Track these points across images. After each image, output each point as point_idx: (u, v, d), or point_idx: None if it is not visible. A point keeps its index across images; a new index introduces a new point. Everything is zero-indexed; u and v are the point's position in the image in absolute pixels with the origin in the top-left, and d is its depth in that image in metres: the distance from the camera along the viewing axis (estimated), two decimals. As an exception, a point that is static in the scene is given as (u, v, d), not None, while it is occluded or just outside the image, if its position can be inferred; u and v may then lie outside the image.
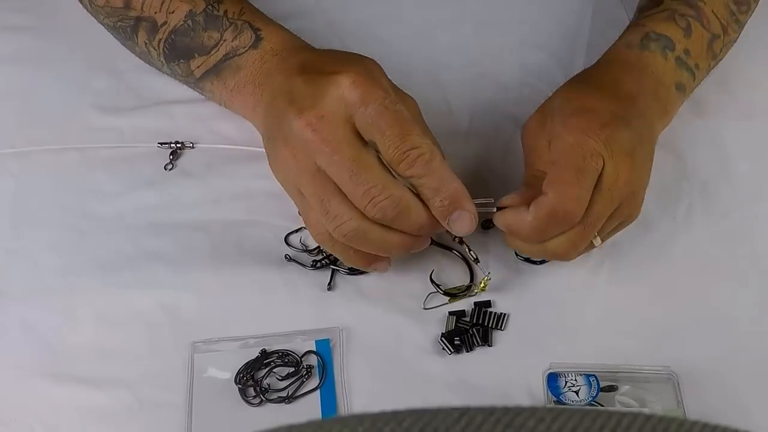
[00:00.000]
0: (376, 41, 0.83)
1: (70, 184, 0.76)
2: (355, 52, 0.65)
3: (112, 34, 0.77)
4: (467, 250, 0.68)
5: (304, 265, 0.70)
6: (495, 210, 0.64)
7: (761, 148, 0.77)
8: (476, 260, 0.68)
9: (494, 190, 0.74)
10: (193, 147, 0.78)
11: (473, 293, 0.68)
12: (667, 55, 0.71)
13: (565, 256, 0.65)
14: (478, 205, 0.62)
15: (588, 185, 0.61)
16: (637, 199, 0.66)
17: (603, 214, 0.63)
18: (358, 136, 0.60)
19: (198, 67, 0.71)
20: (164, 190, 0.75)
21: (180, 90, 0.80)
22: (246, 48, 0.70)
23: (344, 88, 0.59)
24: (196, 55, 0.71)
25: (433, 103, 0.79)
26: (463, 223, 0.61)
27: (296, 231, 0.72)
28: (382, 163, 0.60)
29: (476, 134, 0.78)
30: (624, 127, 0.63)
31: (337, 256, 0.67)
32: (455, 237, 0.68)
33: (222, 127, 0.79)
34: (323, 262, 0.70)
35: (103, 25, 0.77)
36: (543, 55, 0.84)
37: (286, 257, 0.70)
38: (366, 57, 0.64)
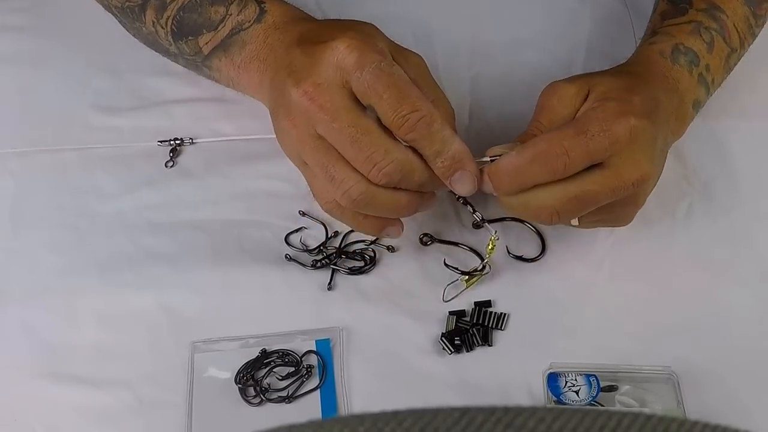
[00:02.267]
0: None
1: (70, 184, 0.76)
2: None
3: (119, 18, 0.76)
4: (471, 210, 0.68)
5: (304, 265, 0.70)
6: (489, 161, 0.63)
7: (761, 148, 0.77)
8: (482, 220, 0.68)
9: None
10: (192, 143, 0.78)
11: (486, 263, 0.68)
12: (692, 71, 0.70)
13: (548, 219, 0.63)
14: (478, 164, 0.62)
15: (586, 149, 0.59)
16: (638, 204, 0.65)
17: (597, 198, 0.61)
18: (357, 101, 0.60)
19: (206, 43, 0.71)
20: (164, 189, 0.75)
21: (180, 90, 0.80)
22: (251, 22, 0.69)
23: (339, 54, 0.59)
24: (204, 31, 0.70)
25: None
26: (464, 183, 0.61)
27: (296, 231, 0.72)
28: (383, 127, 0.60)
29: (476, 134, 0.78)
30: (653, 129, 0.62)
31: (347, 225, 0.67)
32: (459, 197, 0.67)
33: (222, 127, 0.79)
34: (323, 262, 0.70)
35: (110, 9, 0.76)
36: (542, 55, 0.84)
37: (286, 257, 0.70)
38: (364, 22, 0.64)
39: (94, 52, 0.84)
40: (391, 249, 0.71)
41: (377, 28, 0.64)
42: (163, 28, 0.72)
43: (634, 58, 0.72)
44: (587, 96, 0.64)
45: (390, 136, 0.60)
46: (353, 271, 0.70)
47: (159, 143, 0.78)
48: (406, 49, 0.64)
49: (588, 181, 0.60)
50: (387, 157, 0.59)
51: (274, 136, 0.66)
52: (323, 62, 0.59)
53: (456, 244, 0.71)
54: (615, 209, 0.64)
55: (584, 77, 0.67)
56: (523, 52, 0.84)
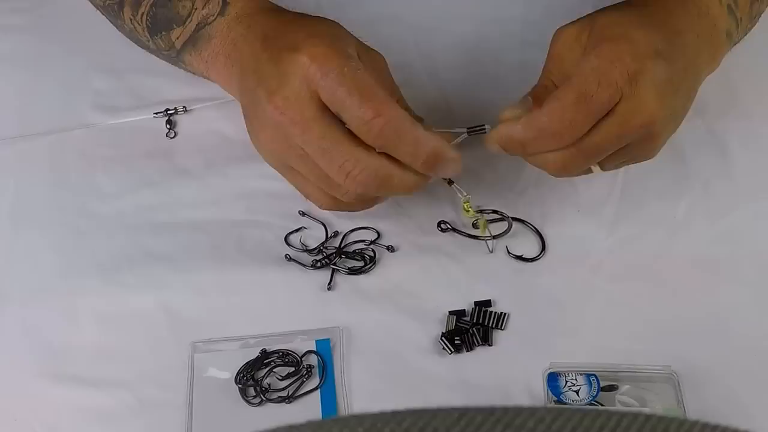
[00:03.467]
0: (376, 41, 0.82)
1: (70, 183, 0.76)
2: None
3: (104, 15, 0.77)
4: (456, 188, 0.67)
5: (304, 265, 0.70)
6: (486, 131, 0.64)
7: (761, 148, 0.77)
8: (450, 183, 0.67)
9: (494, 189, 0.74)
10: (186, 111, 0.79)
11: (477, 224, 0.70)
12: (721, 0, 0.68)
13: (556, 173, 0.63)
14: (471, 131, 0.63)
15: (589, 113, 0.59)
16: (655, 142, 0.63)
17: (604, 147, 0.61)
18: (328, 111, 0.59)
19: (177, 38, 0.71)
20: (164, 189, 0.75)
21: (179, 90, 0.80)
22: (215, 16, 0.69)
23: (303, 66, 0.58)
24: (174, 25, 0.71)
25: (433, 102, 0.79)
26: (447, 170, 0.61)
27: (296, 231, 0.72)
28: (355, 135, 0.59)
29: (476, 134, 0.78)
30: (663, 67, 0.60)
31: (346, 210, 0.67)
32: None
33: (221, 127, 0.79)
34: (323, 262, 0.70)
35: (96, 8, 0.77)
36: (544, 54, 0.83)
37: (286, 257, 0.70)
38: (329, 20, 0.64)
39: (94, 52, 0.84)
40: (390, 249, 0.71)
41: (342, 27, 0.63)
42: (139, 24, 0.73)
43: None
44: (589, 36, 0.63)
45: (363, 144, 0.59)
46: (353, 271, 0.70)
47: (154, 115, 0.78)
48: (369, 47, 0.64)
49: (592, 133, 0.60)
50: (358, 165, 0.58)
51: None
52: (289, 74, 0.59)
53: (470, 235, 0.71)
54: (632, 151, 0.63)
55: (588, 16, 0.65)
56: (525, 52, 0.84)
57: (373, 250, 0.71)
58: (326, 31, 0.61)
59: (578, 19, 0.65)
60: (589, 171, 0.64)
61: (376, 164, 0.59)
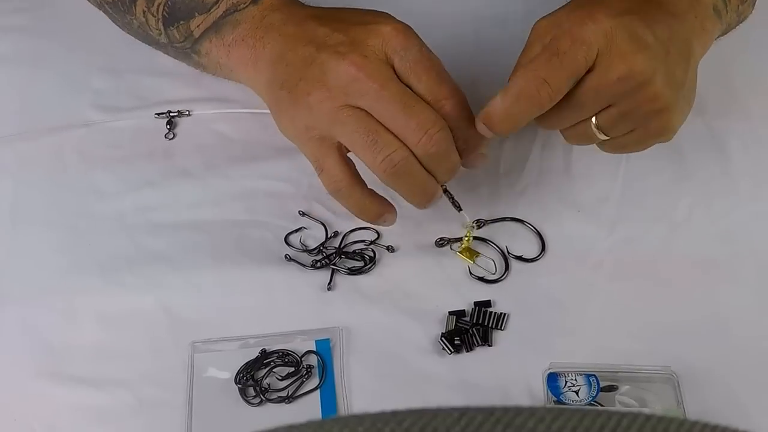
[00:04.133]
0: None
1: (70, 183, 0.76)
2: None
3: (110, 13, 0.76)
4: (450, 197, 0.68)
5: (304, 265, 0.70)
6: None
7: (761, 148, 0.77)
8: (459, 209, 0.69)
9: (495, 188, 0.74)
10: (189, 114, 0.79)
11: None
12: None
13: (564, 136, 0.66)
14: None
15: (563, 68, 0.59)
16: (667, 115, 0.62)
17: (587, 101, 0.61)
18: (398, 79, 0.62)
19: (198, 26, 0.71)
20: (164, 189, 0.75)
21: (180, 90, 0.80)
22: (246, 4, 0.69)
23: (387, 35, 0.62)
24: (197, 14, 0.71)
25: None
26: (478, 162, 0.66)
27: (296, 231, 0.72)
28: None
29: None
30: (639, 21, 0.60)
31: (350, 208, 0.66)
32: (443, 185, 0.67)
33: (221, 127, 0.79)
34: (323, 262, 0.70)
35: (101, 6, 0.76)
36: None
37: (286, 257, 0.70)
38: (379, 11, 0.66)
39: (94, 52, 0.84)
40: (390, 249, 0.71)
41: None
42: (154, 16, 0.72)
43: None
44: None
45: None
46: (353, 271, 0.70)
47: (156, 116, 0.78)
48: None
49: (574, 89, 0.60)
50: (437, 124, 0.61)
51: (275, 135, 0.66)
52: (368, 39, 0.62)
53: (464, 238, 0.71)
54: (639, 120, 0.62)
55: (563, 6, 0.65)
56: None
57: (373, 251, 0.71)
58: (392, 17, 0.65)
59: (555, 11, 0.65)
60: (597, 138, 0.64)
61: (447, 129, 0.61)
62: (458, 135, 0.62)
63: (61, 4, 0.86)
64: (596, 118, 0.63)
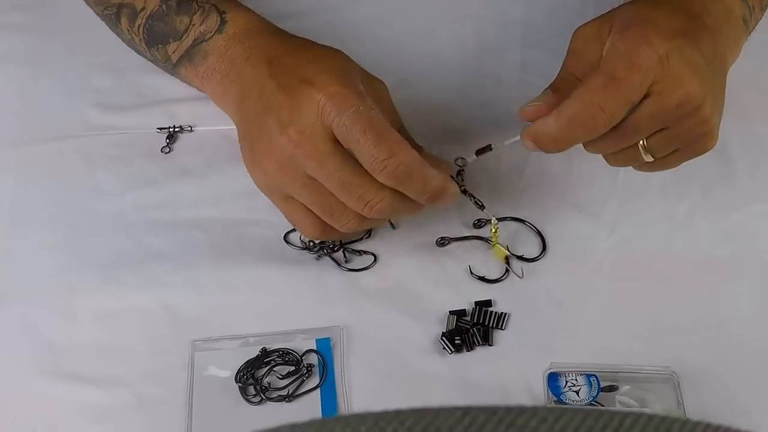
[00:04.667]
0: (376, 41, 0.83)
1: (70, 182, 0.76)
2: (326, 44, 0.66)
3: (104, 23, 0.77)
4: (471, 196, 0.70)
5: (309, 250, 0.71)
6: (493, 149, 0.67)
7: (761, 148, 0.77)
8: (482, 206, 0.70)
9: (495, 188, 0.75)
10: (192, 130, 0.79)
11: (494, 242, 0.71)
12: None
13: (608, 159, 0.66)
14: (479, 152, 0.68)
15: (619, 96, 0.58)
16: (706, 127, 0.61)
17: (641, 126, 0.60)
18: (340, 145, 0.60)
19: (174, 52, 0.72)
20: (165, 188, 0.75)
21: (180, 89, 0.80)
22: (212, 33, 0.70)
23: (319, 102, 0.59)
24: (171, 40, 0.71)
25: (433, 102, 0.79)
26: (447, 202, 0.63)
27: (296, 230, 0.72)
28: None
29: (476, 134, 0.78)
30: (690, 45, 0.59)
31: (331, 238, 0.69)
32: (461, 186, 0.69)
33: (221, 126, 0.79)
34: (325, 251, 0.71)
35: (96, 14, 0.77)
36: (544, 54, 0.83)
37: (285, 239, 0.72)
38: (335, 52, 0.64)
39: (94, 51, 0.84)
40: (393, 226, 0.72)
41: (348, 57, 0.64)
42: (136, 35, 0.74)
43: None
44: (611, 31, 0.63)
45: None
46: (354, 270, 0.70)
47: (158, 130, 0.78)
48: (372, 75, 0.65)
49: (629, 116, 0.59)
50: (377, 195, 0.60)
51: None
52: (304, 107, 0.60)
53: (467, 238, 0.71)
54: (683, 136, 0.62)
55: (607, 13, 0.65)
56: (526, 52, 0.84)
57: (374, 254, 0.71)
58: (338, 66, 0.62)
59: (598, 17, 0.65)
60: (643, 160, 0.63)
61: (391, 195, 0.61)
62: (410, 187, 0.60)
63: (62, 2, 0.86)
64: (646, 141, 0.62)
